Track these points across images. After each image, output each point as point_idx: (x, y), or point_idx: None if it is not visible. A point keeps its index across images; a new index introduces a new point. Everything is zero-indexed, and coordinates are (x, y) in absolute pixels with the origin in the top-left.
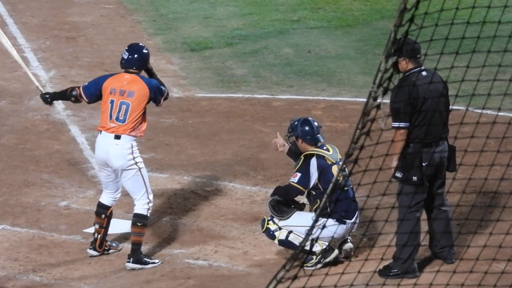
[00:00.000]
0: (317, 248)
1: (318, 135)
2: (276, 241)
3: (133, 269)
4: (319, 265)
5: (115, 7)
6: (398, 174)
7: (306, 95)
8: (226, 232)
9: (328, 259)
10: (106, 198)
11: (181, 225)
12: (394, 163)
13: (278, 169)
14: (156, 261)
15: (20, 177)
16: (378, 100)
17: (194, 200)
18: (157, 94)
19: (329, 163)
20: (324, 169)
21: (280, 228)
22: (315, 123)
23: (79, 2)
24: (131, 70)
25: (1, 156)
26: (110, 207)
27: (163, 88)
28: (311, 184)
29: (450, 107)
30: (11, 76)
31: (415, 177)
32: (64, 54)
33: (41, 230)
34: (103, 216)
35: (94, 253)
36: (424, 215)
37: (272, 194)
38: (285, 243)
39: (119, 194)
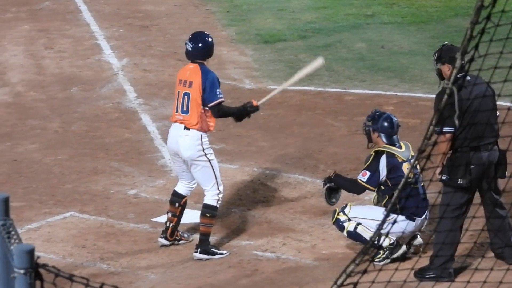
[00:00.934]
0: (385, 242)
1: (395, 136)
2: (345, 232)
3: (200, 259)
4: (386, 261)
5: None
6: (444, 177)
7: (378, 90)
8: (294, 225)
9: (395, 255)
10: (181, 188)
11: (250, 216)
12: (439, 168)
13: (348, 164)
14: (224, 252)
15: (90, 165)
16: (453, 97)
17: (263, 192)
18: (207, 88)
19: (400, 160)
20: (394, 167)
21: (349, 219)
22: (396, 123)
23: None
24: (196, 60)
25: (71, 143)
26: (185, 196)
27: (218, 91)
28: (379, 182)
29: (498, 112)
30: (84, 63)
31: (462, 181)
32: (137, 42)
33: (109, 218)
34: (176, 205)
35: (165, 242)
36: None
37: (336, 185)
38: (353, 235)
39: (195, 184)
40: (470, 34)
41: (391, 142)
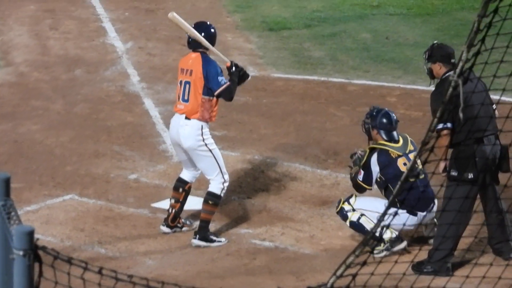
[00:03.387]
0: (386, 235)
1: (394, 132)
2: (347, 222)
3: (199, 246)
4: (385, 253)
5: None
6: (454, 173)
7: (381, 81)
8: (293, 214)
9: (395, 249)
10: (186, 174)
11: (249, 205)
12: (442, 164)
13: (350, 153)
14: (222, 239)
15: (91, 147)
16: (458, 90)
17: (264, 181)
18: (209, 75)
19: (393, 156)
20: (386, 163)
21: (353, 210)
22: (395, 119)
23: None
24: (199, 50)
25: (73, 125)
26: (189, 182)
27: (221, 78)
28: (374, 179)
29: (494, 105)
30: (88, 45)
31: (471, 174)
32: (142, 26)
33: (109, 201)
34: (180, 190)
35: (166, 229)
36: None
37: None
38: (356, 225)
39: (199, 171)
40: (477, 27)
41: (390, 138)
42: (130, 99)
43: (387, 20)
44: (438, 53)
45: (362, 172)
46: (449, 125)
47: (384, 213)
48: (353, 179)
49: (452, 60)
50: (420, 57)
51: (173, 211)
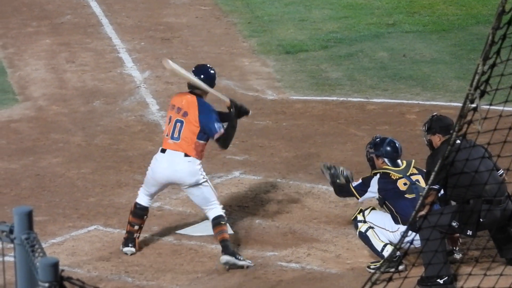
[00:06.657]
0: (387, 253)
1: (398, 160)
2: (357, 232)
3: (227, 262)
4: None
5: (210, 9)
6: (454, 224)
7: (400, 99)
8: (319, 235)
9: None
10: (145, 201)
11: (274, 227)
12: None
13: None
14: (249, 261)
15: (113, 178)
16: (475, 103)
17: (287, 203)
18: (205, 124)
19: (394, 178)
20: (385, 187)
21: (364, 222)
22: (400, 146)
23: (174, 3)
24: (196, 91)
25: (94, 157)
26: (148, 208)
27: (218, 125)
28: (365, 197)
29: (501, 171)
30: (106, 76)
31: (470, 231)
32: (158, 55)
33: None
34: (144, 218)
35: (133, 250)
36: None
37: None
38: (363, 236)
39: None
40: (492, 39)
41: (395, 166)
42: (150, 128)
43: (403, 38)
44: (437, 125)
45: (360, 180)
46: (436, 186)
47: (404, 236)
48: (338, 184)
49: (452, 131)
50: (437, 73)
51: (137, 236)
